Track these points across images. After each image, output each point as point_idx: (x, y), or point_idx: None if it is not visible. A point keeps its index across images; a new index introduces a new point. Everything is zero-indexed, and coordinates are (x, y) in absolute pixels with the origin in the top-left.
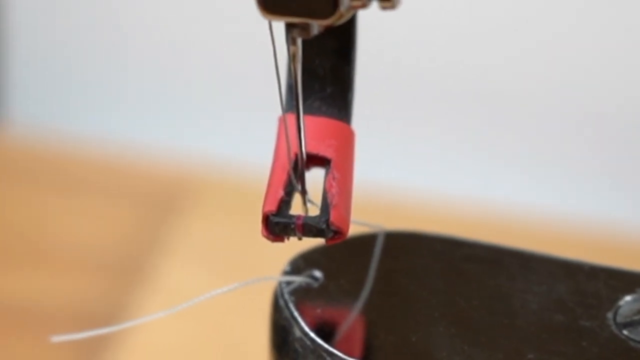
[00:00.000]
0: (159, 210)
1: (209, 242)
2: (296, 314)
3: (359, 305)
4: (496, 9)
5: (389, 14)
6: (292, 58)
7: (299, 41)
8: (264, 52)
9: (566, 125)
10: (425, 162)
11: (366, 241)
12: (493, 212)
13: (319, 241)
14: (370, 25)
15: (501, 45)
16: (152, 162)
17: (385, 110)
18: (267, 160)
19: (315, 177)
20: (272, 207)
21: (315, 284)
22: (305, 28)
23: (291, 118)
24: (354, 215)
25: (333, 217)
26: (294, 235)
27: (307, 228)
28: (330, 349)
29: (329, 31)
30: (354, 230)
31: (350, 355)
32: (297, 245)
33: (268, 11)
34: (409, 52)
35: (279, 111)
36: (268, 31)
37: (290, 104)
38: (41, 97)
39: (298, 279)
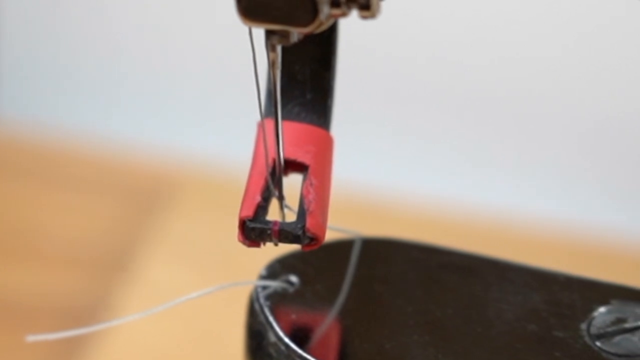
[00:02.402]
0: (141, 207)
1: (191, 239)
2: (271, 318)
3: (335, 311)
4: (487, 11)
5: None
6: (271, 64)
7: (279, 48)
8: (249, 54)
9: (549, 130)
10: (405, 168)
11: (343, 247)
12: (473, 217)
13: (296, 246)
14: (354, 27)
15: (488, 48)
16: (135, 158)
17: (364, 115)
18: (250, 159)
19: (293, 183)
20: (249, 212)
21: (291, 289)
22: (284, 35)
23: (270, 123)
24: (332, 221)
25: (309, 223)
26: (270, 240)
27: (283, 234)
28: (305, 354)
29: (310, 38)
30: (331, 236)
31: None
32: (279, 246)
33: (248, 18)
34: (390, 54)
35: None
36: (248, 37)
37: (269, 110)
38: (27, 92)
39: (274, 284)
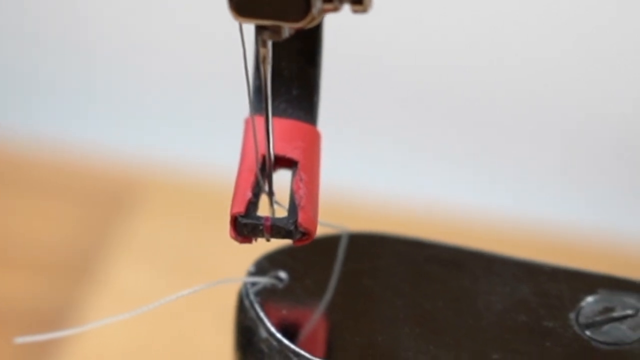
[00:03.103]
0: (106, 210)
1: (156, 242)
2: (262, 314)
3: (325, 305)
4: (477, 16)
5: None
6: (262, 60)
7: (269, 43)
8: (216, 54)
9: (528, 128)
10: (389, 164)
11: (330, 242)
12: (456, 214)
13: (282, 242)
14: (336, 26)
15: (473, 51)
16: (99, 162)
17: (348, 112)
18: (215, 161)
19: (281, 179)
20: (241, 208)
21: (281, 285)
22: (276, 31)
23: (258, 120)
24: (319, 217)
25: (301, 218)
26: (262, 236)
27: (276, 229)
28: (297, 349)
29: (295, 33)
30: (318, 231)
31: (316, 356)
32: (244, 246)
33: (240, 14)
34: (370, 54)
35: (229, 113)
36: (238, 32)
37: (257, 106)
38: None
39: (263, 280)
